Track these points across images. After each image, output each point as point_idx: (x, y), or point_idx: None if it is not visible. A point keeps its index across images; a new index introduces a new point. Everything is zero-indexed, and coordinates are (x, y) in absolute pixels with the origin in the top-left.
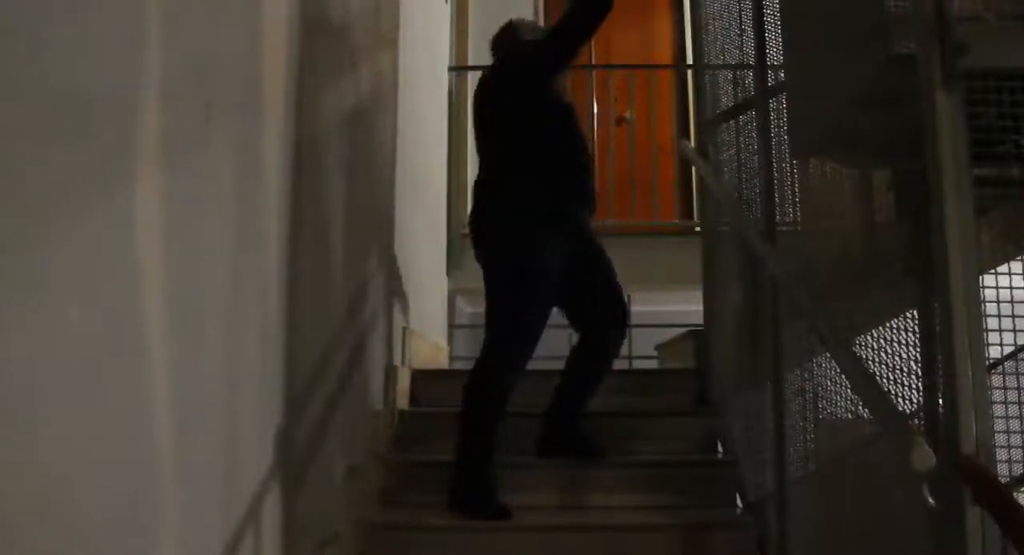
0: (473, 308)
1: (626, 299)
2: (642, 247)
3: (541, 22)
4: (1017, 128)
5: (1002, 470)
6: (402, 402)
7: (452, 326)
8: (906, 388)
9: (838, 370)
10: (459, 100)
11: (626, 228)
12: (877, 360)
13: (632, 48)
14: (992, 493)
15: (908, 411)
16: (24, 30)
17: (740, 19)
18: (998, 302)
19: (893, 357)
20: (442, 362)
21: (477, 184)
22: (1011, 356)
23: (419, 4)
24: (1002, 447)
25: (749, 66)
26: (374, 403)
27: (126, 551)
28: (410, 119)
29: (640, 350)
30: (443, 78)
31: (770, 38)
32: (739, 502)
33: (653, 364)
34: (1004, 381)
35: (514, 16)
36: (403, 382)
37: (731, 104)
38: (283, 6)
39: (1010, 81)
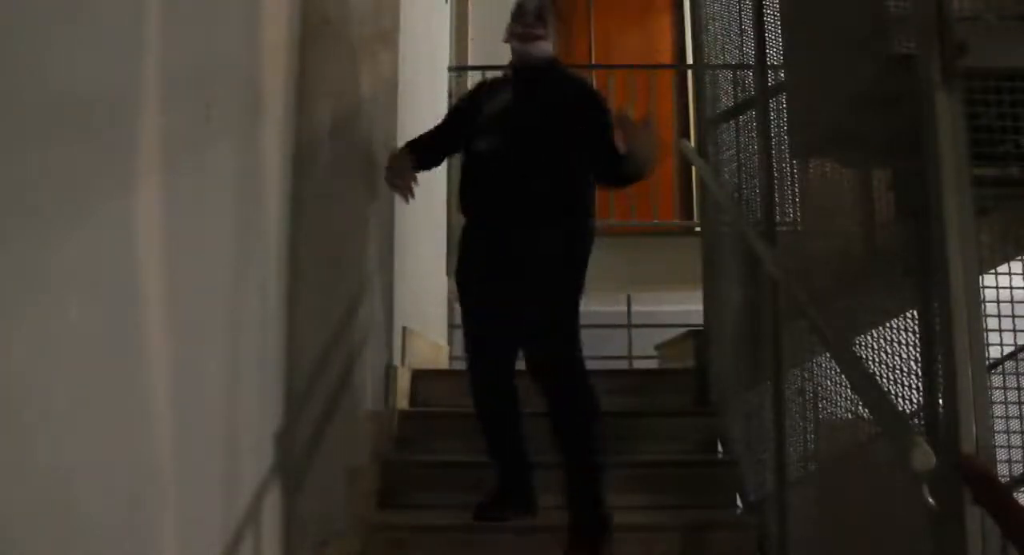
0: None
1: (573, 350)
2: (642, 247)
3: None
4: (1017, 128)
5: (1002, 470)
6: (402, 402)
7: (452, 326)
8: (906, 388)
9: (838, 370)
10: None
11: (626, 228)
12: (877, 360)
13: (632, 48)
14: (992, 493)
15: (908, 411)
16: (24, 30)
17: (740, 19)
18: (998, 302)
19: (893, 357)
20: (442, 362)
21: None
22: (1011, 356)
23: (419, 4)
24: (1002, 447)
25: (749, 66)
26: (374, 403)
27: (126, 551)
28: (410, 119)
29: (640, 350)
30: (443, 78)
31: (770, 38)
32: (739, 502)
33: (653, 364)
34: (1004, 381)
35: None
36: (403, 382)
37: (731, 104)
38: (283, 6)
39: (1010, 81)
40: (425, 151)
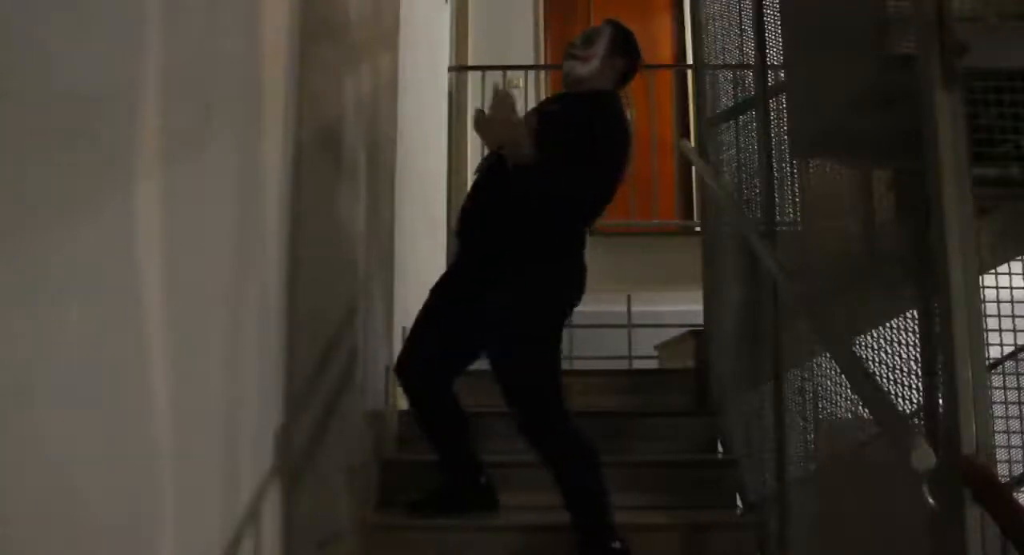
0: None
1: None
2: (642, 247)
3: (541, 22)
4: (1017, 128)
5: (1002, 470)
6: (402, 402)
7: None
8: (906, 388)
9: (838, 370)
10: (459, 100)
11: (626, 228)
12: (877, 360)
13: None
14: (992, 493)
15: (908, 411)
16: (23, 30)
17: (740, 19)
18: (998, 302)
19: (893, 357)
20: None
21: None
22: (1011, 356)
23: (419, 4)
24: (1002, 447)
25: (749, 66)
26: (374, 403)
27: (125, 551)
28: (410, 119)
29: (640, 350)
30: (443, 78)
31: (770, 38)
32: (739, 502)
33: (653, 364)
34: (1004, 381)
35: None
36: None
37: (731, 104)
38: (283, 6)
39: (1010, 81)
40: None
